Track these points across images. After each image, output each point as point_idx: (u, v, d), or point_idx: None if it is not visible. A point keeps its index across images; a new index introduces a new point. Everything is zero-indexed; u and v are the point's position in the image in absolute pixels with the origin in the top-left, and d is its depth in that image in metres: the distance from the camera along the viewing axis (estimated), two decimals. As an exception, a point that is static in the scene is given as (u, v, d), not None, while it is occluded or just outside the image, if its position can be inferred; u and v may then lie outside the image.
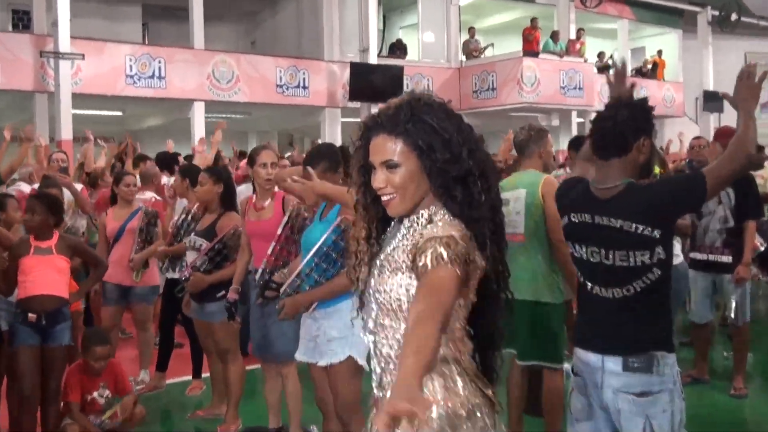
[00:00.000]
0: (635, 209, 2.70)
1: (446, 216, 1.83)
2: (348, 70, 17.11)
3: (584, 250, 2.83)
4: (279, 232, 4.22)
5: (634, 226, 2.69)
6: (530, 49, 19.06)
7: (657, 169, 4.96)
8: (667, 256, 2.71)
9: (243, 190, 6.95)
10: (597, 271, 2.80)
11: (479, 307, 1.88)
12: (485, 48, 20.67)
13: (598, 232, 2.78)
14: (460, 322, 1.84)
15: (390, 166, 1.85)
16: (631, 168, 2.80)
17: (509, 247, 1.97)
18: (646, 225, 2.67)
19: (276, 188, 4.55)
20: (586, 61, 20.39)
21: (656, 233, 2.67)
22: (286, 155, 9.96)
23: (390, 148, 1.84)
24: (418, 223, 1.85)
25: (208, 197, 5.05)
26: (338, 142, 12.40)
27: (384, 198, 1.87)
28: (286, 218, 4.24)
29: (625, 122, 2.77)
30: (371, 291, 1.89)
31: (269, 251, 4.17)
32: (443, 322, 1.57)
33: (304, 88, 17.24)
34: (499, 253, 1.87)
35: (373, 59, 17.74)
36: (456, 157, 1.80)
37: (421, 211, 1.87)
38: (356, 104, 17.50)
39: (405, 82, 17.58)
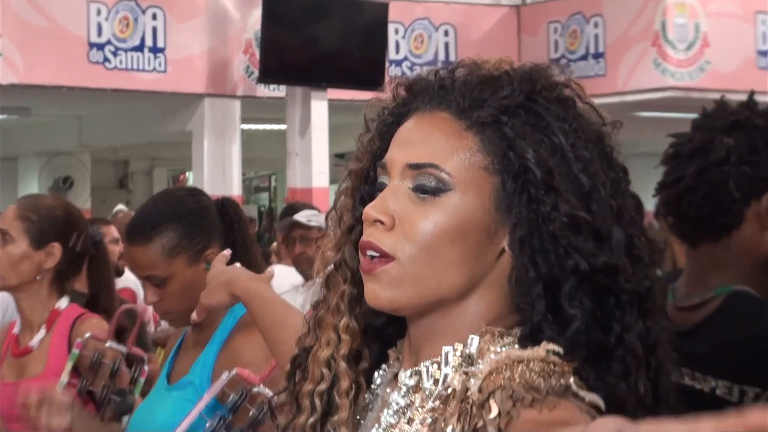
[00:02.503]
0: (739, 354, 2.07)
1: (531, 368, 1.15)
2: (259, 10, 11.05)
3: None
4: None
5: (736, 390, 2.04)
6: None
7: None
8: None
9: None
10: None
11: None
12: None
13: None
14: None
15: (424, 182, 1.21)
16: (742, 258, 2.11)
17: None
18: (757, 386, 2.02)
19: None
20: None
21: None
22: (115, 211, 8.64)
23: (439, 139, 1.22)
24: (439, 378, 1.20)
25: None
26: (234, 186, 10.88)
27: (367, 256, 1.22)
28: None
29: (729, 166, 2.07)
30: None
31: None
32: None
33: (154, 51, 11.40)
34: None
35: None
36: (600, 226, 1.19)
37: (461, 344, 1.20)
38: (277, 90, 11.69)
39: (395, 39, 12.19)
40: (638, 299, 1.20)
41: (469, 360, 1.20)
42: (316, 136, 10.74)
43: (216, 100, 11.79)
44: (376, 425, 1.27)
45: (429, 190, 1.20)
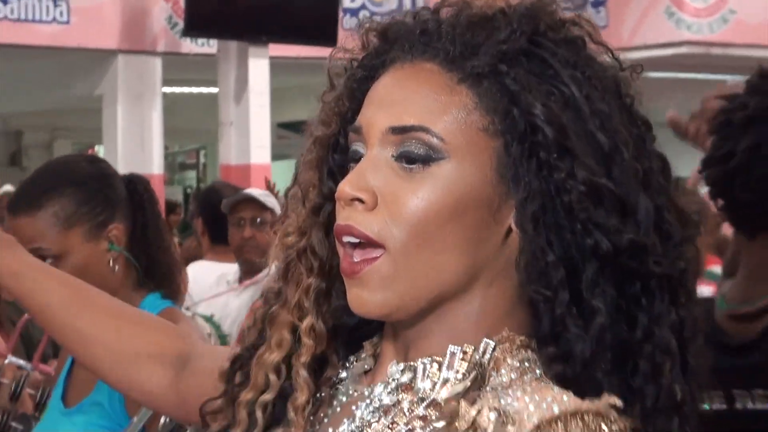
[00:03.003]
0: None
1: (536, 376, 1.21)
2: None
3: None
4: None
5: None
6: None
7: None
8: None
9: None
10: None
11: None
12: None
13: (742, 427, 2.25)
14: None
15: (411, 149, 1.21)
16: None
17: None
18: None
19: None
20: None
21: None
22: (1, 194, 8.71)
23: (427, 96, 1.23)
24: (434, 384, 1.23)
25: None
26: (155, 162, 11.18)
27: (346, 248, 1.23)
28: None
29: None
30: None
31: None
32: None
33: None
34: None
35: None
36: (624, 196, 1.21)
37: (464, 348, 1.23)
38: (206, 45, 11.98)
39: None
40: (669, 284, 1.21)
41: (480, 368, 1.21)
42: (254, 102, 10.85)
43: (132, 58, 12.00)
44: (348, 420, 1.28)
45: (417, 158, 1.20)
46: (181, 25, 11.46)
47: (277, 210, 4.79)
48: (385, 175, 1.22)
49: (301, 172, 1.38)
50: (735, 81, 2.77)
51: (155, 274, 2.72)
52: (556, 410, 1.11)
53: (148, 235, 2.62)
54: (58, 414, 2.72)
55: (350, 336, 1.36)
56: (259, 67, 10.71)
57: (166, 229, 2.90)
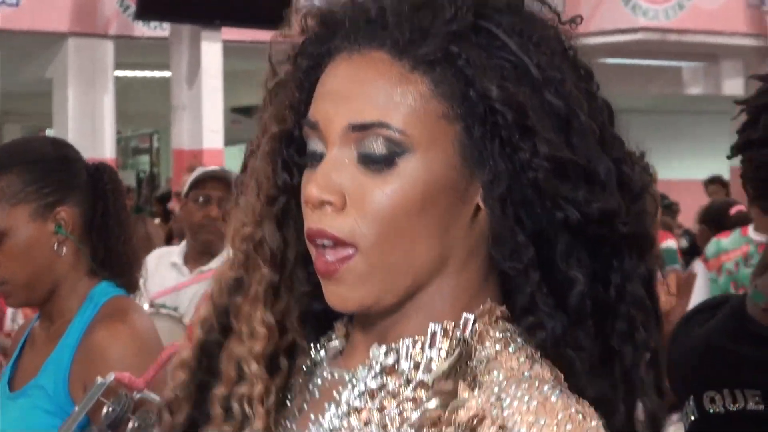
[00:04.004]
0: None
1: (529, 351, 1.23)
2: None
3: None
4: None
5: None
6: None
7: None
8: None
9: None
10: None
11: None
12: None
13: None
14: None
15: (373, 149, 1.21)
16: None
17: None
18: None
19: None
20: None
21: None
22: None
23: (382, 89, 1.23)
24: (420, 363, 1.25)
25: None
26: (107, 146, 11.45)
27: (319, 249, 1.24)
28: None
29: None
30: None
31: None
32: None
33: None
34: None
35: None
36: (586, 162, 1.23)
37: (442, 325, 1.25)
38: (159, 29, 12.19)
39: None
40: (636, 240, 1.24)
41: (464, 344, 1.22)
42: (207, 85, 10.85)
43: (83, 41, 12.09)
44: (330, 405, 1.28)
45: (380, 158, 1.21)
46: (133, 8, 11.52)
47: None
48: (350, 173, 1.22)
49: (251, 160, 1.38)
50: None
51: (113, 264, 2.71)
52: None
53: (108, 224, 2.61)
54: (3, 398, 2.71)
55: (320, 320, 1.37)
56: (212, 50, 10.75)
57: (130, 222, 2.89)
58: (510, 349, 1.22)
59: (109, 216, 2.66)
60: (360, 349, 1.30)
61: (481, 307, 1.23)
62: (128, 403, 2.36)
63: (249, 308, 1.34)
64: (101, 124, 11.31)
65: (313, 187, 1.21)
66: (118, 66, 12.47)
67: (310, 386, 1.34)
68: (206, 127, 10.69)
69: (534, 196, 1.21)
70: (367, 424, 1.26)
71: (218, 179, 5.01)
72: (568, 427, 1.14)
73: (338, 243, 1.22)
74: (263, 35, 10.52)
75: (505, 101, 1.20)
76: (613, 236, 1.23)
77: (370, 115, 1.21)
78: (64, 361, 2.60)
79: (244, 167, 1.39)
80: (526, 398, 1.16)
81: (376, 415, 1.25)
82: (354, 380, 1.28)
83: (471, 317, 1.23)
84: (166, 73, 11.78)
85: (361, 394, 1.27)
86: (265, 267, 1.34)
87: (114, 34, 12.77)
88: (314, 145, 1.25)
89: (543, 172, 1.20)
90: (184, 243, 5.17)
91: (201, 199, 4.91)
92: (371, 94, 1.23)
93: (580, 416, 1.15)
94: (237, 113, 13.79)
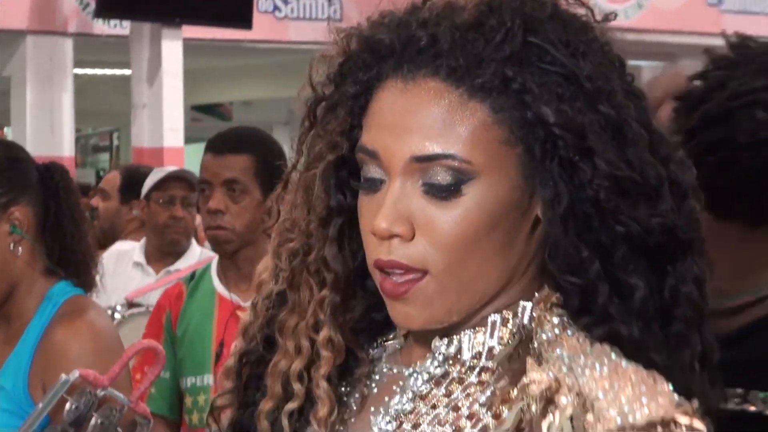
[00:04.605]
0: None
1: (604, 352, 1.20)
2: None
3: None
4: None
5: None
6: None
7: None
8: None
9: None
10: None
11: None
12: None
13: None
14: None
15: (439, 179, 1.20)
16: None
17: None
18: None
19: None
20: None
21: None
22: None
23: (441, 119, 1.20)
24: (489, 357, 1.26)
25: None
26: (66, 144, 10.98)
27: (393, 279, 1.23)
28: None
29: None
30: None
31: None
32: None
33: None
34: None
35: None
36: (641, 172, 1.22)
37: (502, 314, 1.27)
38: (119, 27, 11.59)
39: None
40: (690, 243, 1.24)
41: (524, 331, 1.24)
42: (168, 83, 10.64)
43: (41, 39, 11.80)
44: (394, 395, 1.29)
45: (446, 188, 1.20)
46: (92, 6, 11.16)
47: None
48: (416, 203, 1.22)
49: (292, 175, 1.38)
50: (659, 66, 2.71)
51: (68, 263, 2.69)
52: (639, 418, 1.12)
53: (62, 223, 2.59)
54: None
55: (380, 327, 1.38)
56: (172, 48, 10.53)
57: (84, 219, 2.89)
58: (568, 332, 1.23)
59: (63, 215, 2.65)
60: (419, 345, 1.31)
61: (537, 294, 1.26)
62: (92, 400, 2.33)
63: (299, 325, 1.34)
64: (60, 122, 11.09)
65: (381, 220, 1.21)
66: (78, 64, 12.17)
67: (368, 382, 1.36)
68: (166, 125, 10.56)
69: (594, 212, 1.21)
70: (434, 407, 1.27)
71: (179, 179, 4.96)
72: (642, 388, 1.14)
73: (408, 270, 1.22)
74: (224, 33, 10.29)
75: (563, 126, 1.19)
76: (671, 245, 1.24)
77: (433, 147, 1.20)
78: (24, 361, 2.59)
79: (286, 184, 1.39)
80: (597, 365, 1.16)
81: (443, 400, 1.26)
82: (416, 372, 1.29)
83: (528, 305, 1.25)
84: (126, 71, 11.53)
85: (425, 382, 1.29)
86: (323, 289, 1.34)
87: (73, 32, 11.97)
88: (372, 172, 1.25)
89: (604, 191, 1.20)
90: (142, 241, 5.10)
91: (164, 200, 4.88)
92: (431, 124, 1.21)
93: (651, 379, 1.15)
94: (197, 111, 13.58)
